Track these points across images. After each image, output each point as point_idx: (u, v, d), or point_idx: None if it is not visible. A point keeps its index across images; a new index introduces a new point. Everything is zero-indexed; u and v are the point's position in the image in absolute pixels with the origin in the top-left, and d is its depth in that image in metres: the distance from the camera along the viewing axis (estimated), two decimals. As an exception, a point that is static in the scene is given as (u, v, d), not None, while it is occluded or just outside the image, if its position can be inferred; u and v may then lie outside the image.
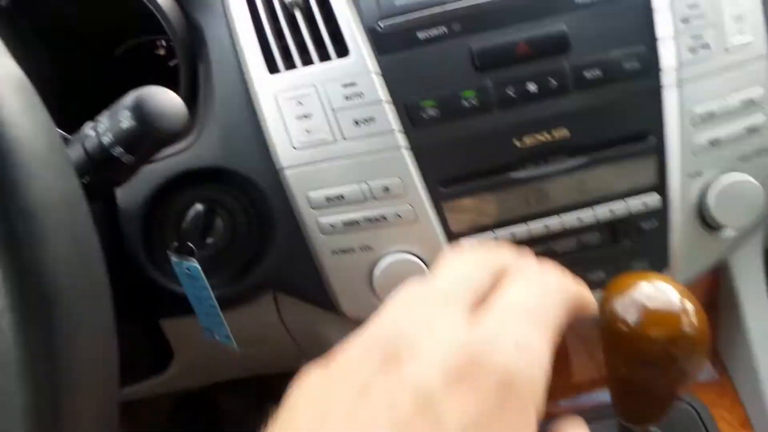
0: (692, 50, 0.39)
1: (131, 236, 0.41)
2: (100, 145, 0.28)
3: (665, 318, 0.29)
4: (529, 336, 0.19)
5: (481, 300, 0.20)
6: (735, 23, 0.40)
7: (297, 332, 0.50)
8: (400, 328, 0.19)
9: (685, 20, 0.39)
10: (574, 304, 0.22)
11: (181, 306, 0.42)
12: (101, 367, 0.19)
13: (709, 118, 0.39)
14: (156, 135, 0.28)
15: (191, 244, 0.38)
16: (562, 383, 0.52)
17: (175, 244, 0.39)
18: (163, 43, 0.59)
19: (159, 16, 0.45)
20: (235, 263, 0.42)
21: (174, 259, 0.39)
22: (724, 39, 0.39)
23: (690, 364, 0.29)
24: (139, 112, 0.28)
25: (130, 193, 0.41)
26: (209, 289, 0.39)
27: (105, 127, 0.28)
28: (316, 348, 0.51)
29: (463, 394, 0.17)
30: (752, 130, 0.40)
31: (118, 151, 0.28)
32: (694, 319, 0.29)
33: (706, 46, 0.39)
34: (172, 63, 0.58)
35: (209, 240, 0.41)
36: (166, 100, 0.29)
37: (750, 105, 0.40)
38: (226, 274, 0.42)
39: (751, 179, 0.39)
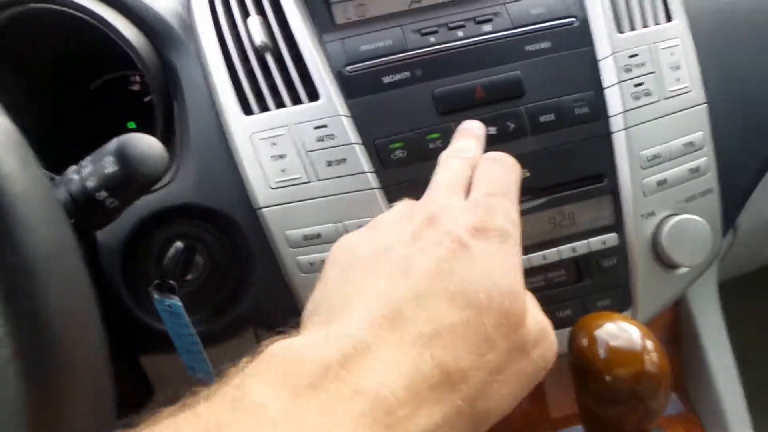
0: (636, 97, 0.43)
1: (111, 273, 0.42)
2: (84, 189, 0.29)
3: (629, 357, 0.31)
4: (507, 206, 0.30)
5: (469, 184, 0.31)
6: (672, 71, 0.44)
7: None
8: (427, 207, 0.29)
9: (628, 69, 0.43)
10: (519, 175, 0.33)
11: (162, 343, 0.42)
12: (100, 406, 0.20)
13: (656, 160, 0.43)
14: (139, 179, 0.29)
15: (172, 282, 0.39)
16: (540, 418, 0.54)
17: (156, 281, 0.40)
18: (138, 78, 0.60)
19: (132, 55, 0.46)
20: (215, 300, 0.43)
21: (155, 296, 0.39)
22: (664, 86, 0.43)
23: (655, 402, 0.31)
24: (123, 157, 0.29)
25: (109, 231, 0.41)
26: (191, 326, 0.39)
27: (89, 172, 0.29)
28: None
29: (481, 240, 0.27)
30: (695, 172, 0.44)
31: (101, 195, 0.29)
32: (655, 357, 0.31)
33: (648, 93, 0.43)
34: (146, 99, 0.59)
35: (189, 276, 0.42)
36: (148, 145, 0.30)
37: (691, 148, 0.43)
38: (206, 311, 0.43)
39: (699, 219, 0.42)
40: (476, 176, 0.32)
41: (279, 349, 0.22)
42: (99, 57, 0.57)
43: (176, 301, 0.39)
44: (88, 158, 0.30)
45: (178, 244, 0.41)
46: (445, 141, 0.42)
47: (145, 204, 0.42)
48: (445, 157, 0.35)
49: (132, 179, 0.29)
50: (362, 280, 0.26)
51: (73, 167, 0.31)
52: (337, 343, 0.22)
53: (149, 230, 0.42)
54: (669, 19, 0.45)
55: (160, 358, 0.46)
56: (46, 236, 0.20)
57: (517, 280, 0.27)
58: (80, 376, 0.20)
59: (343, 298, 0.26)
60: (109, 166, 0.29)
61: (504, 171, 0.32)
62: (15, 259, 0.19)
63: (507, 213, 0.29)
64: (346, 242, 0.30)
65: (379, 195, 0.41)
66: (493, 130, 0.42)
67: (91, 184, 0.29)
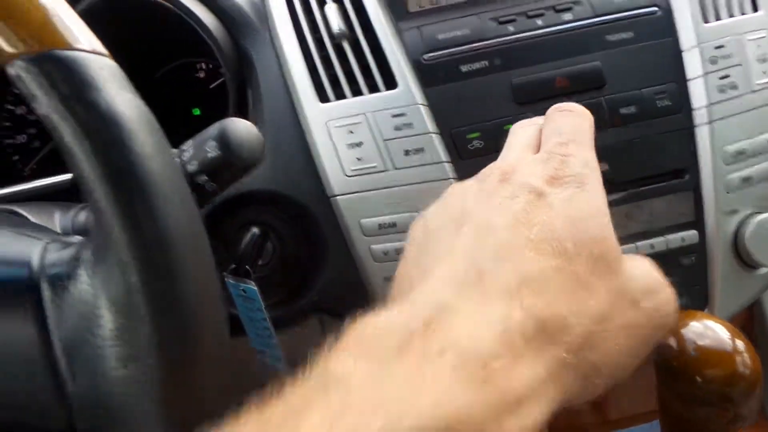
0: (721, 90, 0.42)
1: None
2: (186, 172, 0.30)
3: (720, 357, 0.30)
4: (581, 151, 0.28)
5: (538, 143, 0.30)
6: (759, 64, 0.43)
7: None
8: (502, 165, 0.29)
9: (713, 61, 0.42)
10: (592, 123, 0.31)
11: (231, 327, 0.43)
12: (224, 386, 0.21)
13: (741, 156, 0.41)
14: (239, 164, 0.30)
15: (247, 266, 0.40)
16: (599, 420, 0.53)
17: (233, 266, 0.40)
18: (203, 66, 0.61)
19: (210, 42, 0.47)
20: (285, 286, 0.44)
21: (230, 280, 0.40)
22: (750, 79, 0.42)
23: (746, 407, 0.30)
24: (225, 142, 0.29)
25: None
26: (264, 311, 0.40)
27: (190, 156, 0.30)
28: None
29: (558, 188, 0.26)
30: None
31: (202, 179, 0.30)
32: (748, 359, 0.29)
33: (734, 86, 0.42)
34: (212, 85, 0.60)
35: (260, 263, 0.42)
36: (246, 130, 0.30)
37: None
38: (276, 297, 0.44)
39: None
40: (545, 129, 0.31)
41: (363, 325, 0.22)
42: (166, 44, 0.58)
43: (251, 286, 0.40)
44: (189, 142, 0.31)
45: (255, 230, 0.41)
46: (523, 132, 0.41)
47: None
48: (515, 125, 0.34)
49: (232, 164, 0.30)
50: (440, 246, 0.26)
51: (174, 151, 0.31)
52: (420, 308, 0.21)
53: (221, 216, 0.43)
54: (755, 9, 0.44)
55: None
56: (183, 214, 0.21)
57: (603, 223, 0.25)
58: (210, 358, 0.21)
59: (422, 268, 0.25)
60: (212, 150, 0.29)
61: (574, 119, 0.31)
62: (156, 235, 0.19)
63: (581, 158, 0.27)
64: (421, 219, 0.30)
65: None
66: (572, 121, 0.41)
67: (192, 168, 0.30)
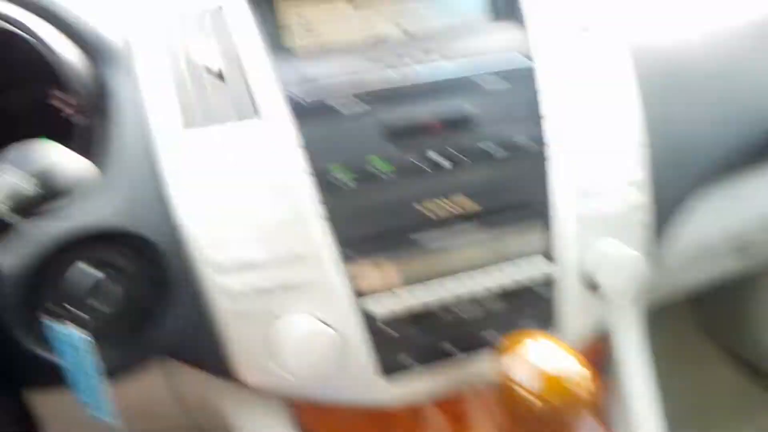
0: (573, 127, 0.44)
1: (8, 297, 0.36)
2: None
3: (558, 381, 0.32)
4: None
5: None
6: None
7: (190, 405, 0.47)
8: None
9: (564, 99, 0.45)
10: None
11: (54, 376, 0.37)
12: None
13: (592, 190, 0.44)
14: (53, 198, 0.26)
15: (76, 309, 0.35)
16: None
17: (56, 308, 0.35)
18: (56, 93, 0.56)
19: (66, 73, 0.42)
20: (126, 331, 0.39)
21: (53, 325, 0.34)
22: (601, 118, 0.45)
23: (574, 420, 0.33)
24: (46, 178, 0.25)
25: (13, 252, 0.36)
26: (93, 360, 0.35)
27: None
28: (211, 422, 0.48)
29: None
30: (631, 205, 0.46)
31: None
32: (585, 384, 0.32)
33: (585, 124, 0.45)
34: (65, 114, 0.54)
35: (99, 305, 0.37)
36: (55, 155, 0.26)
37: (629, 183, 0.46)
38: (116, 343, 0.38)
39: (629, 248, 0.45)
40: None
41: None
42: (15, 69, 0.53)
43: (76, 332, 0.35)
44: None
45: (82, 266, 0.36)
46: (391, 169, 0.41)
47: (57, 227, 0.37)
48: None
49: (47, 199, 0.25)
50: None
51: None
52: None
53: (59, 256, 0.37)
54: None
55: (52, 395, 0.40)
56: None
57: None
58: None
59: None
60: (26, 184, 0.25)
61: None
62: None
63: None
64: None
65: (319, 222, 0.39)
66: (440, 159, 0.42)
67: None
